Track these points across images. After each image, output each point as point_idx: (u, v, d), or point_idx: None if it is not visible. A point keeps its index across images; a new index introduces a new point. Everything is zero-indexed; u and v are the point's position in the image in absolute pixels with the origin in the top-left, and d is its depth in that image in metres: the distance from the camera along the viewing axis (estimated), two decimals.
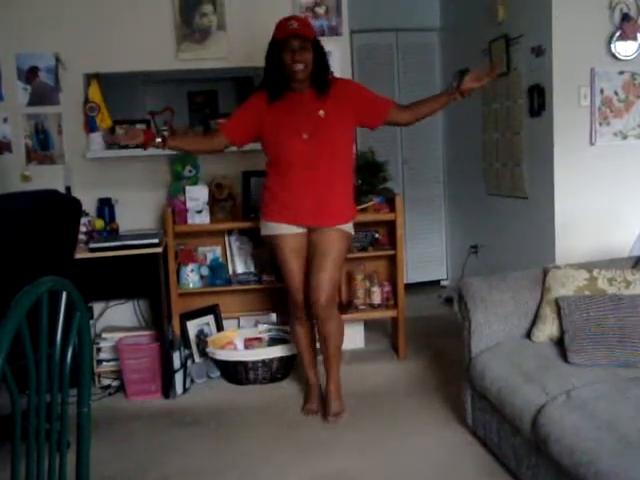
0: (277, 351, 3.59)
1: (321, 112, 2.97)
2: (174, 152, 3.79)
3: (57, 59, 3.75)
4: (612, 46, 3.59)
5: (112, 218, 3.80)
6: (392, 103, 3.14)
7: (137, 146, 3.03)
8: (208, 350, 3.64)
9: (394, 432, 2.94)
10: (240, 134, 3.10)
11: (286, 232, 3.05)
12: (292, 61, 2.90)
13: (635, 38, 3.60)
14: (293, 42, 2.89)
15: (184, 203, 3.68)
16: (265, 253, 3.93)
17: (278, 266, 3.21)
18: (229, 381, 3.63)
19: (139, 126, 3.60)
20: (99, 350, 3.64)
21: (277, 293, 3.90)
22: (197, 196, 3.67)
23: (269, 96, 3.01)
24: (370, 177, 3.86)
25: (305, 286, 3.09)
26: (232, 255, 3.94)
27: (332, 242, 3.03)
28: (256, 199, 3.83)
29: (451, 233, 5.51)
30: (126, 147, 3.77)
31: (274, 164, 3.06)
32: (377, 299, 3.92)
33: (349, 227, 3.11)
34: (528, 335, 2.71)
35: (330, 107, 2.98)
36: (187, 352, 3.61)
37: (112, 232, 3.73)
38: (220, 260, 3.90)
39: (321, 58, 2.98)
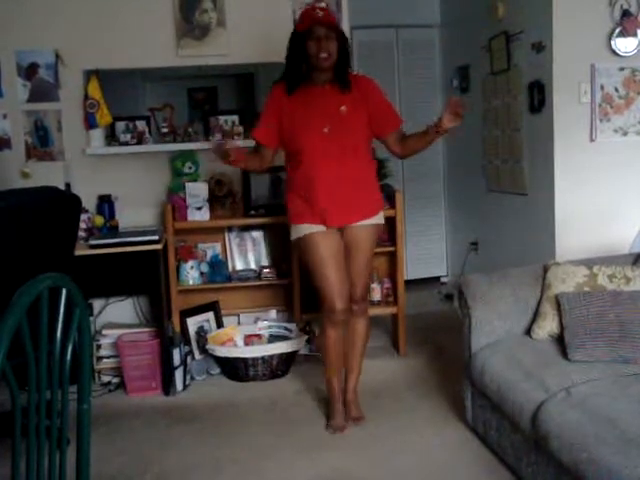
0: (277, 348, 3.59)
1: (343, 108, 2.86)
2: (173, 149, 3.84)
3: (57, 55, 3.74)
4: (612, 42, 3.59)
5: (112, 215, 3.80)
6: (399, 126, 2.99)
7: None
8: (208, 347, 3.64)
9: (394, 429, 2.94)
10: (276, 137, 2.95)
11: (319, 231, 2.88)
12: (318, 49, 2.77)
13: (635, 34, 3.59)
14: (319, 30, 2.77)
15: (184, 200, 3.67)
16: (270, 247, 3.94)
17: (310, 271, 2.96)
18: (229, 378, 3.63)
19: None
20: (99, 347, 3.64)
21: (277, 289, 3.90)
22: (197, 193, 3.67)
23: (289, 87, 2.89)
24: None
25: (346, 289, 2.92)
26: (232, 252, 3.93)
27: (365, 237, 2.95)
28: (256, 196, 3.83)
29: (451, 230, 5.50)
30: (126, 144, 3.79)
31: (296, 161, 2.92)
32: (377, 296, 3.92)
33: (380, 218, 3.02)
34: (528, 332, 2.71)
35: (351, 103, 2.88)
36: (187, 349, 3.61)
37: (112, 229, 3.73)
38: (220, 257, 3.90)
39: (345, 50, 2.88)
